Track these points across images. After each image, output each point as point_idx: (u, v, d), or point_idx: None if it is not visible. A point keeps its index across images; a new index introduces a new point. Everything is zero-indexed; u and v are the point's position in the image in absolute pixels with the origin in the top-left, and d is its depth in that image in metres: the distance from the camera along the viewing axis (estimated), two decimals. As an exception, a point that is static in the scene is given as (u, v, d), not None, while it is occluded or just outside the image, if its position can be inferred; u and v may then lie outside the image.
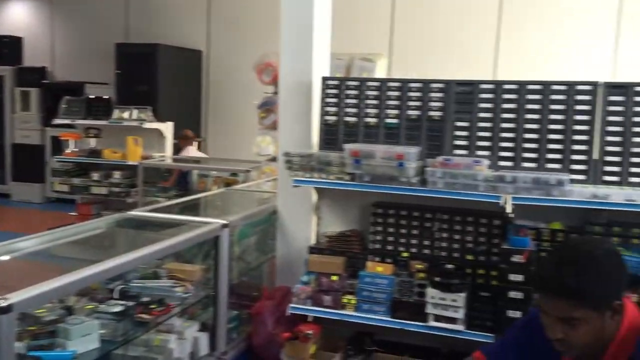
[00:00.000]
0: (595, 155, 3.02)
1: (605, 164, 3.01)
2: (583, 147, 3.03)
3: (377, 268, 3.26)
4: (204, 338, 3.13)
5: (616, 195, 2.79)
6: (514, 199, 2.88)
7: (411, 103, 3.31)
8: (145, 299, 2.75)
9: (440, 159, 3.06)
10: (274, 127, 5.40)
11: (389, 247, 3.41)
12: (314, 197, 3.67)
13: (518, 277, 2.92)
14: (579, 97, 3.02)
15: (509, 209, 2.91)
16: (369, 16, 8.72)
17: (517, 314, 2.92)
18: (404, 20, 8.72)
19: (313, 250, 3.51)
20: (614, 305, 1.58)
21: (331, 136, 3.47)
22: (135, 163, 6.50)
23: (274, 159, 5.29)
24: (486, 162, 3.00)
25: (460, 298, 3.01)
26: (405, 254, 3.34)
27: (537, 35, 7.85)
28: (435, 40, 8.40)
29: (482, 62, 8.14)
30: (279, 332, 3.32)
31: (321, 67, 3.64)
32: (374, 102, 3.37)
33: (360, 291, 3.24)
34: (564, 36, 7.72)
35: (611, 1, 7.62)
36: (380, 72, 5.76)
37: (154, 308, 2.70)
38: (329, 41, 3.77)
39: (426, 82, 3.27)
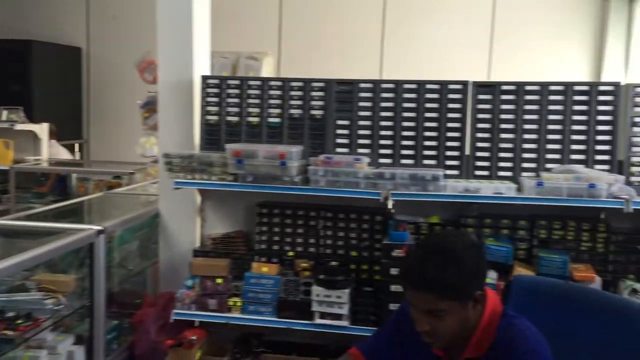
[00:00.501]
0: (467, 151, 3.16)
1: (477, 159, 3.16)
2: (456, 144, 3.16)
3: (263, 268, 3.23)
4: (79, 351, 2.95)
5: (485, 188, 2.94)
6: (393, 194, 2.96)
7: (293, 102, 3.30)
8: (10, 314, 2.55)
9: (321, 157, 3.07)
10: (157, 127, 5.23)
11: (275, 247, 3.39)
12: (198, 198, 3.58)
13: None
14: (451, 96, 3.15)
15: (389, 205, 2.98)
16: (257, 14, 8.67)
17: (397, 307, 3.01)
18: (292, 18, 8.75)
19: (197, 253, 3.42)
20: (476, 295, 1.65)
21: (213, 136, 3.39)
22: (6, 167, 6.04)
23: (157, 161, 5.12)
24: (366, 159, 3.06)
25: (345, 294, 3.05)
26: (290, 253, 3.34)
27: (419, 36, 8.17)
28: (324, 39, 8.50)
29: (369, 61, 8.34)
30: (162, 340, 3.20)
31: (202, 65, 3.56)
32: (256, 101, 3.34)
33: (245, 293, 3.20)
34: (444, 37, 8.08)
35: (486, 7, 8.10)
36: (267, 70, 5.72)
37: (20, 323, 2.51)
38: (209, 38, 3.68)
39: (307, 81, 3.28)
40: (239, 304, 3.20)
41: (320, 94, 3.28)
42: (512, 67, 7.72)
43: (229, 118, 3.37)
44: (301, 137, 3.30)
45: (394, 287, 3.01)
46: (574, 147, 3.06)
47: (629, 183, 2.96)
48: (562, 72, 7.67)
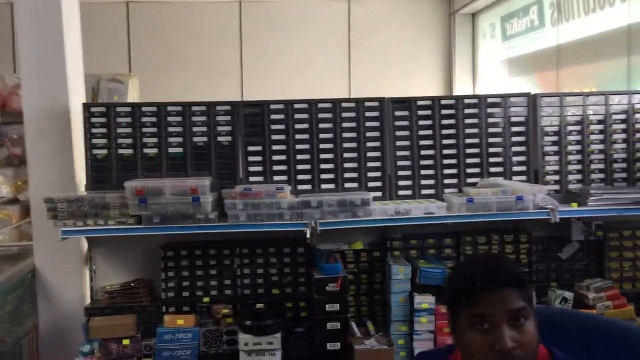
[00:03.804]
0: (389, 170, 3.01)
1: (399, 179, 3.02)
2: (377, 164, 3.00)
3: (178, 321, 2.81)
4: None
5: (416, 209, 2.80)
6: (322, 224, 2.72)
7: (196, 129, 2.93)
8: None
9: (238, 188, 2.75)
10: (7, 163, 4.53)
11: (185, 294, 2.98)
12: (85, 246, 3.06)
13: (334, 307, 2.76)
14: (368, 114, 2.98)
15: (308, 234, 2.73)
16: (106, 31, 8.01)
17: (336, 346, 2.77)
18: (142, 40, 8.21)
19: (91, 311, 2.91)
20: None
21: (102, 173, 2.91)
22: None
23: (12, 202, 4.42)
24: (288, 187, 2.79)
25: (277, 339, 2.74)
26: (206, 299, 2.95)
27: (277, 56, 8.10)
28: (178, 59, 8.09)
29: (229, 84, 8.07)
30: None
31: (78, 92, 3.06)
32: (152, 129, 2.92)
33: (159, 352, 2.77)
34: (304, 57, 8.08)
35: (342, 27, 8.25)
36: (133, 93, 5.24)
37: None
38: (81, 61, 3.19)
39: (211, 105, 2.94)
40: (151, 366, 2.76)
41: (227, 118, 2.95)
42: (370, 85, 7.83)
43: (121, 151, 2.91)
44: (208, 168, 2.94)
45: (330, 325, 2.76)
46: (492, 159, 3.04)
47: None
48: (417, 87, 7.94)
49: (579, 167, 3.06)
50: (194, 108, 2.93)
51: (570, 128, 3.05)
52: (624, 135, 3.07)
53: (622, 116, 3.07)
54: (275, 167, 2.96)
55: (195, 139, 2.94)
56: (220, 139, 2.94)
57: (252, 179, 2.96)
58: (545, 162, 3.06)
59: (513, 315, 1.39)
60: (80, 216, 2.68)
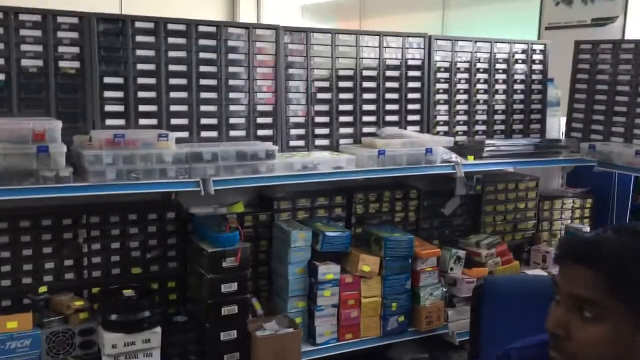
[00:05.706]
0: (282, 116, 2.48)
1: (291, 127, 2.51)
2: (268, 108, 2.45)
3: (8, 324, 1.96)
4: None
5: (324, 164, 2.35)
6: (216, 182, 2.11)
7: (26, 47, 2.02)
8: None
9: (103, 134, 1.97)
10: None
11: (6, 283, 2.11)
12: None
13: (232, 287, 2.20)
14: (260, 45, 2.40)
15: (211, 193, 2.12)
16: None
17: (232, 335, 2.22)
18: None
19: None
20: None
21: None
22: None
23: None
24: (173, 135, 2.09)
25: (156, 336, 2.08)
26: (42, 289, 2.12)
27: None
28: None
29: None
30: None
31: None
32: (-45, 44, 1.93)
33: (-20, 372, 1.90)
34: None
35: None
36: None
37: None
38: None
39: (49, 15, 2.04)
40: (-34, 393, 1.88)
41: (73, 35, 2.09)
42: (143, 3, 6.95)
43: None
44: (44, 105, 2.08)
45: (226, 309, 2.19)
46: (389, 107, 2.71)
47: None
48: (196, 10, 7.30)
49: (465, 117, 2.90)
50: (22, 17, 2.01)
51: (459, 76, 2.87)
52: (504, 86, 2.99)
53: (504, 65, 2.98)
54: (142, 108, 2.22)
55: (25, 62, 2.03)
56: (62, 64, 2.08)
57: (109, 122, 2.17)
58: (436, 111, 2.83)
59: (574, 301, 1.05)
60: None
